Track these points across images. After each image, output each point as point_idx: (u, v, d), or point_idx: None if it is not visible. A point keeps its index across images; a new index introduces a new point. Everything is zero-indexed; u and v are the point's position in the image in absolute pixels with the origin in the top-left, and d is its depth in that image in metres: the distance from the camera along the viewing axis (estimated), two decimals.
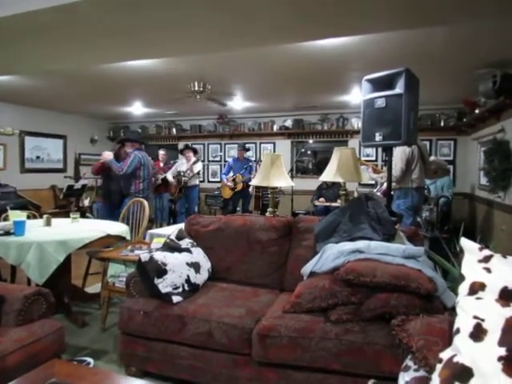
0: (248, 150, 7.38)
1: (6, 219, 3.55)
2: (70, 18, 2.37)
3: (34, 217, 4.03)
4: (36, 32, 2.61)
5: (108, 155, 4.74)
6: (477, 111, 5.27)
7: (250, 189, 6.43)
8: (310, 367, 1.88)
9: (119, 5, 2.20)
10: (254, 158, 6.88)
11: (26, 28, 2.52)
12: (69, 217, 3.64)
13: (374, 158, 7.19)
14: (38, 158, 7.61)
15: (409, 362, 1.23)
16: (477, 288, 1.12)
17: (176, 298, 2.25)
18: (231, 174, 6.85)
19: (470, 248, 1.23)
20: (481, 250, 1.19)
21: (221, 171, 8.09)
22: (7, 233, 2.83)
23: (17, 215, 3.15)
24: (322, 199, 6.53)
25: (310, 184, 7.06)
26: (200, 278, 2.48)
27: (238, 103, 6.78)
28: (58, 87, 5.68)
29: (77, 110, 7.84)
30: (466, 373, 0.95)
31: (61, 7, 2.19)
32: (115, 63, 4.11)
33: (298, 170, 8.18)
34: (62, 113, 7.96)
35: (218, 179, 8.08)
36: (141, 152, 4.81)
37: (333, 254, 2.13)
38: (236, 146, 7.50)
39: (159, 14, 2.34)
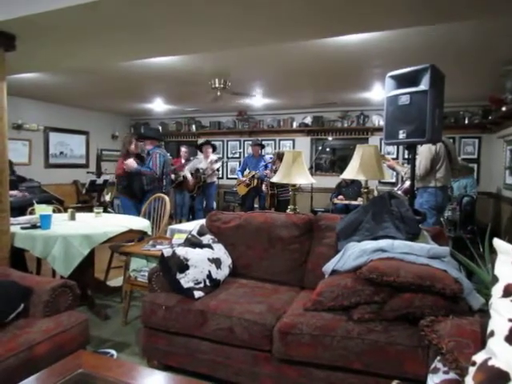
0: (263, 146, 7.24)
1: (32, 213, 3.65)
2: (93, 15, 2.40)
3: (59, 211, 4.13)
4: (60, 30, 2.66)
5: (132, 163, 4.66)
6: (503, 108, 5.12)
7: (263, 187, 6.38)
8: (331, 366, 1.87)
9: (140, 2, 2.23)
10: (270, 156, 6.80)
11: (50, 26, 2.57)
12: (91, 211, 3.72)
13: (395, 156, 7.08)
14: (61, 153, 7.80)
15: (438, 363, 1.21)
16: None
17: (198, 294, 2.27)
18: (247, 170, 6.87)
19: (504, 249, 1.19)
20: None
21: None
22: (34, 226, 2.91)
23: (43, 209, 3.23)
24: (341, 197, 6.47)
25: (329, 181, 7.02)
26: (221, 274, 2.50)
27: (257, 100, 6.76)
28: (82, 84, 5.79)
29: (99, 106, 7.99)
30: (502, 377, 0.92)
31: (85, 5, 2.23)
32: (137, 60, 4.15)
33: (317, 168, 8.13)
34: (85, 109, 8.12)
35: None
36: (161, 149, 4.88)
37: (355, 253, 2.11)
38: (260, 142, 7.30)
39: (179, 10, 2.36)
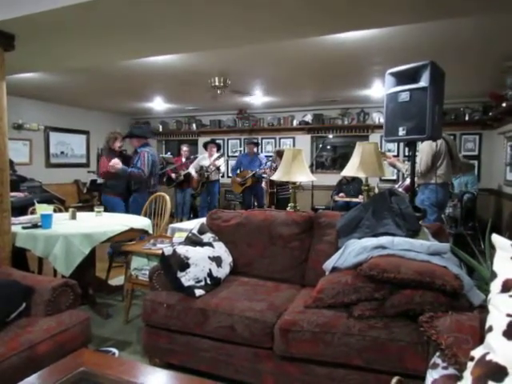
0: (257, 144, 7.34)
1: (33, 212, 3.66)
2: (92, 15, 2.40)
3: (60, 210, 4.14)
4: (60, 29, 2.66)
5: (117, 164, 4.54)
6: (504, 104, 5.10)
7: (263, 184, 6.41)
8: (332, 362, 1.88)
9: (140, 2, 2.23)
10: (264, 155, 6.87)
11: (49, 26, 2.57)
12: (92, 211, 3.72)
13: (395, 153, 7.07)
14: (62, 153, 7.81)
15: (437, 359, 1.21)
16: (510, 285, 1.10)
17: (198, 292, 2.28)
18: (241, 169, 6.94)
19: (503, 245, 1.20)
20: None
21: None
22: (35, 226, 2.91)
23: (44, 209, 3.23)
24: (342, 194, 6.47)
25: (330, 179, 7.01)
26: (222, 272, 2.50)
27: (257, 98, 6.76)
28: (82, 84, 5.79)
29: (99, 106, 7.99)
30: (500, 371, 0.93)
31: (84, 5, 2.23)
32: (137, 59, 4.15)
33: (318, 165, 8.13)
34: (85, 109, 8.12)
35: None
36: (149, 148, 4.82)
37: (355, 250, 2.11)
38: (255, 141, 7.45)
39: (180, 10, 2.36)
